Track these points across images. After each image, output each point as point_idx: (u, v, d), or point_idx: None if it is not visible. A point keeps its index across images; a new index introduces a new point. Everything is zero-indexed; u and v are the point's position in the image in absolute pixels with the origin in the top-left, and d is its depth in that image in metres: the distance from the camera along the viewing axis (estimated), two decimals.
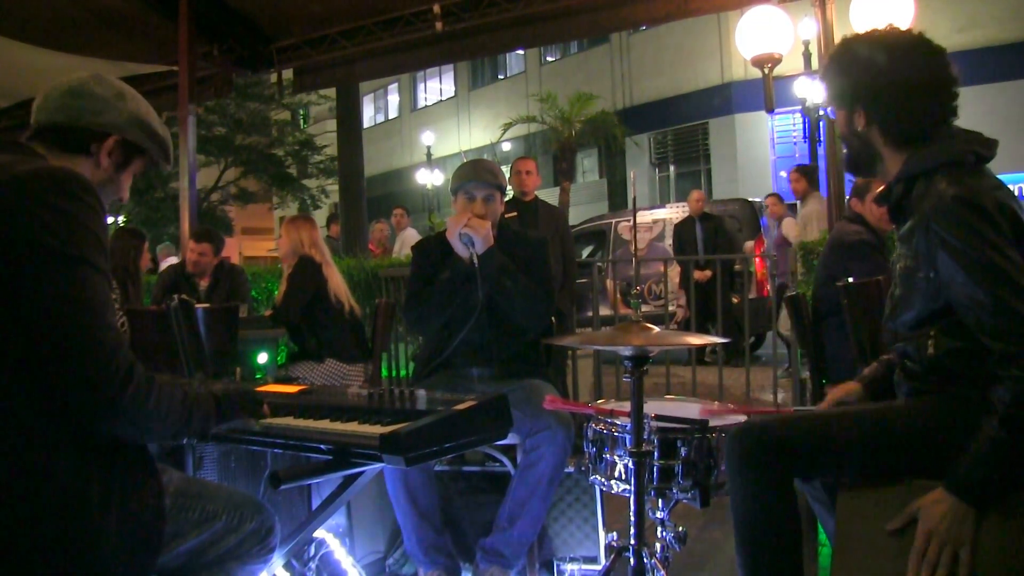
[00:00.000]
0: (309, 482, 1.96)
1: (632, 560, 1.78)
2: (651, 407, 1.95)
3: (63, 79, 1.40)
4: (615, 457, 1.95)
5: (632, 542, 1.78)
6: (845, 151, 1.70)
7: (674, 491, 1.90)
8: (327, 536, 2.01)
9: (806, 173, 6.50)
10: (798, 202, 6.60)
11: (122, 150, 1.41)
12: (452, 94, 24.39)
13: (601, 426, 2.00)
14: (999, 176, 1.51)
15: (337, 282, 3.74)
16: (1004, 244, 1.36)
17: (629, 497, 1.81)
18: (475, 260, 2.30)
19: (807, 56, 11.77)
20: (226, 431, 1.54)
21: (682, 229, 7.70)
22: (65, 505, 1.13)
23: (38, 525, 1.11)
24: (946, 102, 1.54)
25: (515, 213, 4.24)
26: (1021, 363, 1.31)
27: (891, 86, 1.54)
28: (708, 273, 6.71)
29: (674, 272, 7.87)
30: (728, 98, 16.75)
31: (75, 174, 1.22)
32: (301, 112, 24.54)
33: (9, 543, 1.09)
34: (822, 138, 9.77)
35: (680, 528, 2.01)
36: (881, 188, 1.64)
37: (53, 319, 1.12)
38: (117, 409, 1.15)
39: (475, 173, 2.45)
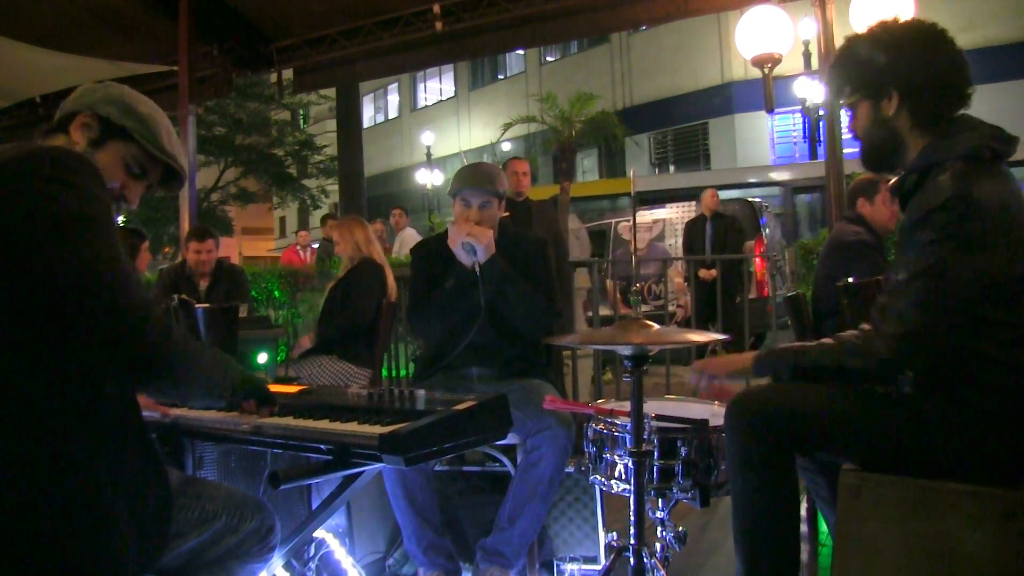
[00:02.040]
0: (309, 482, 1.95)
1: (632, 560, 1.78)
2: (651, 407, 1.95)
3: None
4: (615, 457, 1.95)
5: (632, 542, 1.78)
6: (864, 145, 1.69)
7: (674, 491, 1.90)
8: (327, 536, 2.01)
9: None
10: None
11: (98, 127, 1.38)
12: (452, 94, 24.40)
13: (601, 426, 2.00)
14: None
15: (392, 284, 3.77)
16: (976, 246, 1.39)
17: (629, 497, 1.81)
18: (477, 268, 2.30)
19: (807, 56, 11.78)
20: (227, 430, 1.54)
21: (693, 227, 7.71)
22: (77, 493, 1.13)
23: (52, 512, 1.11)
24: (967, 83, 1.58)
25: (508, 213, 4.24)
26: (889, 343, 1.44)
27: (924, 63, 1.57)
28: (714, 272, 6.71)
29: (674, 271, 7.87)
30: (728, 98, 16.76)
31: (71, 150, 1.23)
32: (301, 112, 24.55)
33: (23, 529, 1.09)
34: (822, 138, 9.78)
35: (680, 528, 2.01)
36: (893, 181, 1.65)
37: (83, 282, 1.12)
38: (162, 359, 1.18)
39: (472, 179, 2.42)
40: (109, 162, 1.39)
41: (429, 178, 20.48)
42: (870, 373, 1.51)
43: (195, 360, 1.27)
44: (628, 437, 1.85)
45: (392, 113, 27.14)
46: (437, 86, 25.08)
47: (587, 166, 20.30)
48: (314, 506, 2.09)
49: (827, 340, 1.57)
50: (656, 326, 1.75)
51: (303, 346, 3.82)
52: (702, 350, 6.47)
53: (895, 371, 1.50)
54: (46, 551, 1.11)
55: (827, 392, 1.62)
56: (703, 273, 6.89)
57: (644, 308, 7.70)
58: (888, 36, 1.63)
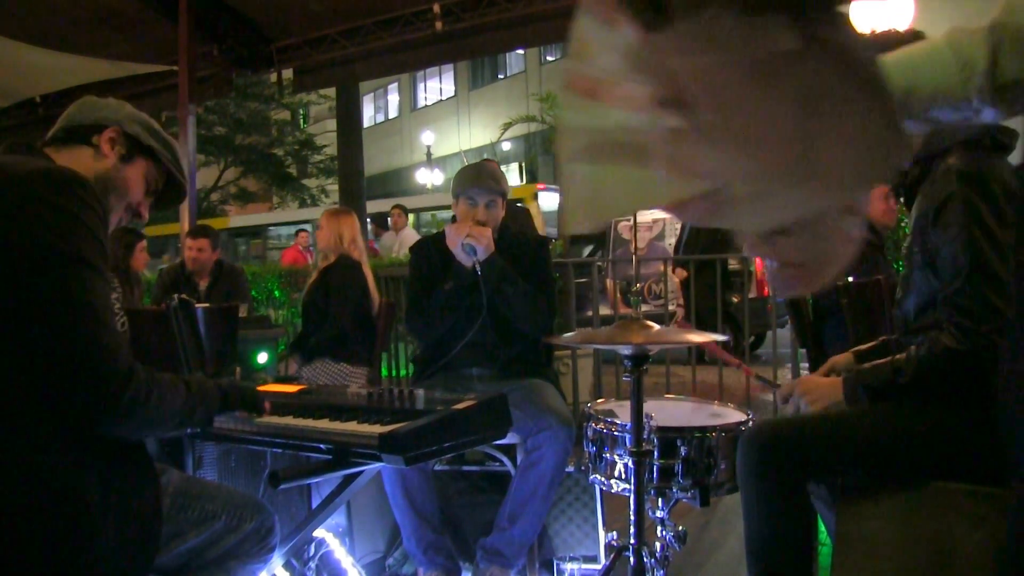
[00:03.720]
0: (309, 481, 1.96)
1: (632, 559, 1.78)
2: (650, 407, 1.95)
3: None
4: (615, 456, 1.95)
5: (632, 541, 1.78)
6: None
7: (674, 490, 1.90)
8: (327, 535, 2.01)
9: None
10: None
11: (125, 142, 1.42)
12: (452, 94, 24.41)
13: (601, 425, 2.00)
14: None
15: (372, 282, 3.72)
16: (994, 225, 1.42)
17: (629, 496, 1.81)
18: (477, 268, 2.30)
19: None
20: (228, 429, 1.54)
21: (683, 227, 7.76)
22: (63, 505, 1.13)
23: (35, 524, 1.11)
24: None
25: None
26: (953, 332, 1.44)
27: None
28: (684, 273, 6.67)
29: (676, 277, 7.87)
30: None
31: (77, 174, 1.22)
32: (301, 112, 24.57)
33: (5, 542, 1.09)
34: None
35: (680, 527, 2.01)
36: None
37: (53, 320, 1.12)
38: (116, 411, 1.15)
39: (478, 179, 2.43)
40: (135, 178, 1.44)
41: (429, 178, 20.51)
42: (953, 374, 1.48)
43: (158, 410, 1.21)
44: (628, 436, 1.85)
45: (392, 113, 27.15)
46: (437, 86, 25.09)
47: None
48: (314, 506, 2.09)
49: (900, 356, 1.56)
50: (656, 326, 1.75)
51: (291, 368, 3.71)
52: (701, 350, 6.48)
53: (975, 363, 1.44)
54: (25, 563, 1.10)
55: (837, 417, 1.62)
56: (677, 274, 6.87)
57: (644, 308, 7.70)
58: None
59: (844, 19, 0.57)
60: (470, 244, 2.29)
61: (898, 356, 1.55)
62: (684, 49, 0.52)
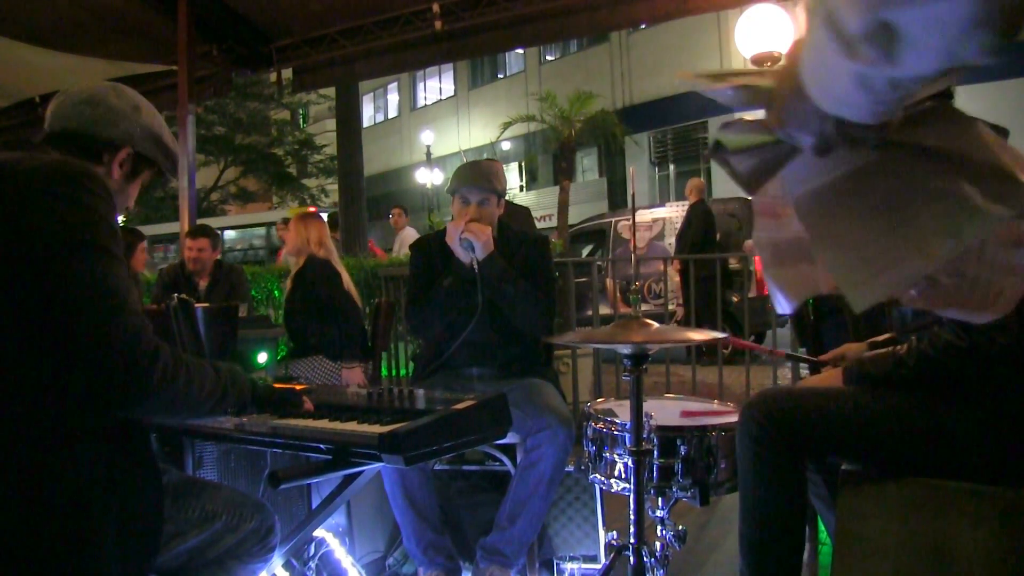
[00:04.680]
0: (308, 481, 1.96)
1: (632, 559, 1.78)
2: (650, 406, 1.95)
3: (81, 86, 1.42)
4: (615, 456, 1.95)
5: (632, 541, 1.78)
6: None
7: (674, 489, 1.91)
8: (327, 535, 2.01)
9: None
10: None
11: (133, 161, 1.43)
12: (452, 93, 24.39)
13: (601, 425, 2.00)
14: None
15: (348, 279, 3.74)
16: None
17: (629, 496, 1.81)
18: (476, 265, 2.31)
19: None
20: (227, 429, 1.54)
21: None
22: (66, 504, 1.13)
23: (38, 523, 1.11)
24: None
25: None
26: (954, 327, 1.45)
27: None
28: (678, 264, 6.68)
29: (673, 270, 7.88)
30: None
31: (89, 168, 1.23)
32: (301, 112, 24.59)
33: (8, 540, 1.09)
34: None
35: (680, 527, 2.01)
36: None
37: (78, 307, 1.11)
38: (146, 391, 1.15)
39: (471, 177, 2.44)
40: (134, 191, 1.47)
41: (429, 177, 20.50)
42: (947, 369, 1.48)
43: (188, 389, 1.21)
44: (628, 436, 1.85)
45: (392, 112, 27.14)
46: (437, 85, 25.08)
47: (587, 165, 20.30)
48: (314, 505, 2.09)
49: (902, 348, 1.56)
50: (656, 325, 1.75)
51: (354, 377, 3.64)
52: (701, 349, 6.49)
53: (971, 359, 1.45)
54: (27, 561, 1.10)
55: (840, 395, 1.63)
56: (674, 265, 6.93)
57: (644, 307, 7.70)
58: None
59: (906, 119, 0.70)
60: (468, 240, 2.30)
61: (899, 347, 1.55)
62: (789, 182, 0.78)
